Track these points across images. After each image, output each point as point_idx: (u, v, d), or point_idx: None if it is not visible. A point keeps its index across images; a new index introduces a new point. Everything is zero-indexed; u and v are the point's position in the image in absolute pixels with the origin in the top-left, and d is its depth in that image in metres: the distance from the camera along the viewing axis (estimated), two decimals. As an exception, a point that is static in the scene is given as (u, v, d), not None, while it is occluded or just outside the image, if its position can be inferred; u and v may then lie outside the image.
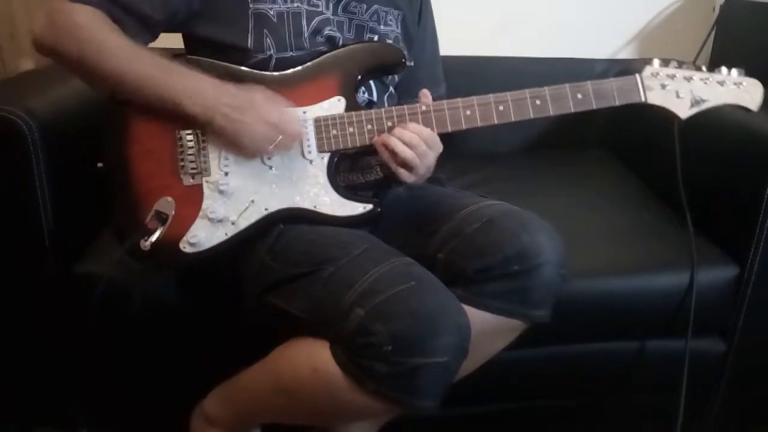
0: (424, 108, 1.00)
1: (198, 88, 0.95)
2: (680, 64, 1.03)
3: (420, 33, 1.19)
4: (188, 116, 0.96)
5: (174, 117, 0.97)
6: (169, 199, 1.00)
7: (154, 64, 0.95)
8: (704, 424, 1.30)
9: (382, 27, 1.10)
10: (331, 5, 1.06)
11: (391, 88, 1.14)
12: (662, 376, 1.24)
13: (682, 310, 1.17)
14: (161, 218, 0.99)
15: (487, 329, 0.97)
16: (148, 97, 0.95)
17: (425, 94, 1.02)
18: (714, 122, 1.26)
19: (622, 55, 1.82)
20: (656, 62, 1.03)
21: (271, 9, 1.01)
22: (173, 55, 1.02)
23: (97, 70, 0.95)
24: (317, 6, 1.04)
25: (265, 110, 0.96)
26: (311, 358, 0.90)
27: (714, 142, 1.29)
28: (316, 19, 1.04)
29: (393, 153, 0.97)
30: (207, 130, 0.98)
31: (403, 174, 0.99)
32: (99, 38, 0.95)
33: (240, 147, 0.97)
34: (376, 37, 1.10)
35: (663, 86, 1.02)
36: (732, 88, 1.02)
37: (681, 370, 1.17)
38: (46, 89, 1.18)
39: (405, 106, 1.00)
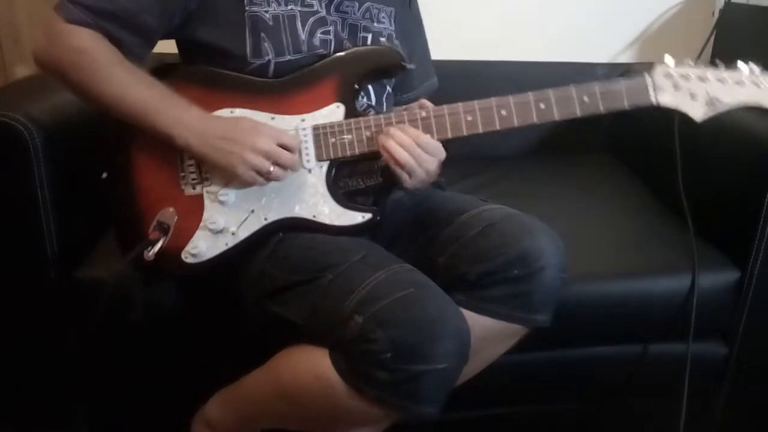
0: (423, 114, 0.99)
1: (187, 122, 0.95)
2: (694, 63, 0.96)
3: (409, 26, 1.18)
4: (181, 148, 0.96)
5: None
6: (171, 209, 1.00)
7: (148, 96, 0.95)
8: (706, 428, 1.30)
9: (375, 24, 1.09)
10: (323, 4, 1.05)
11: (389, 88, 1.14)
12: (664, 379, 1.24)
13: (684, 313, 1.17)
14: (163, 229, 0.99)
15: (488, 334, 0.97)
16: (142, 126, 0.96)
17: (423, 104, 1.01)
18: (715, 126, 1.26)
19: (622, 59, 1.82)
20: (669, 60, 0.97)
21: (266, 12, 1.01)
22: (169, 65, 1.02)
23: (94, 95, 0.95)
24: (311, 5, 1.04)
25: (253, 137, 0.95)
26: (312, 365, 0.90)
27: (715, 146, 1.29)
28: (310, 19, 1.03)
29: (390, 155, 0.97)
30: (203, 162, 0.98)
31: (403, 176, 0.97)
32: (97, 65, 0.94)
33: (235, 177, 0.96)
34: (369, 36, 1.09)
35: (676, 87, 0.95)
36: (751, 88, 0.94)
37: (683, 373, 1.17)
38: (47, 95, 1.18)
39: (405, 113, 1.00)
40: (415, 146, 0.96)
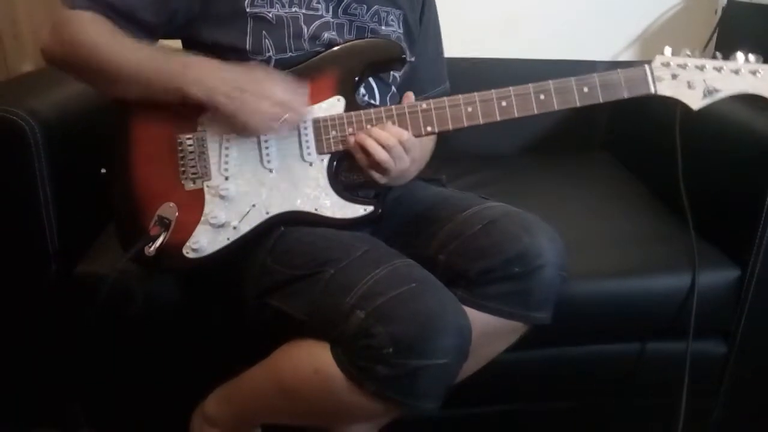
0: (424, 105, 0.99)
1: (200, 72, 0.94)
2: (692, 53, 0.98)
3: (422, 31, 1.19)
4: (193, 101, 0.95)
5: (176, 119, 0.98)
6: (171, 204, 1.00)
7: (156, 56, 0.95)
8: (706, 426, 1.30)
9: (383, 27, 1.10)
10: (330, 8, 1.05)
11: (394, 88, 1.14)
12: (663, 378, 1.24)
13: (684, 312, 1.17)
14: (164, 224, 0.99)
15: (488, 331, 0.97)
16: (153, 87, 0.95)
17: (407, 96, 1.01)
18: (716, 125, 1.27)
19: (625, 57, 1.82)
20: (667, 51, 0.98)
21: (269, 12, 1.01)
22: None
23: (104, 70, 0.96)
24: (317, 10, 1.04)
25: (268, 87, 0.94)
26: (312, 360, 0.90)
27: (715, 144, 1.29)
28: (315, 23, 1.03)
29: (367, 153, 0.96)
30: (215, 114, 0.97)
31: (375, 175, 0.97)
32: (102, 40, 0.95)
33: (247, 127, 0.95)
34: None
35: (674, 76, 0.96)
36: (747, 77, 0.96)
37: (682, 372, 1.17)
38: (48, 90, 1.18)
39: (405, 104, 1.00)
40: (398, 144, 0.96)
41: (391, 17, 1.11)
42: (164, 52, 0.97)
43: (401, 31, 1.12)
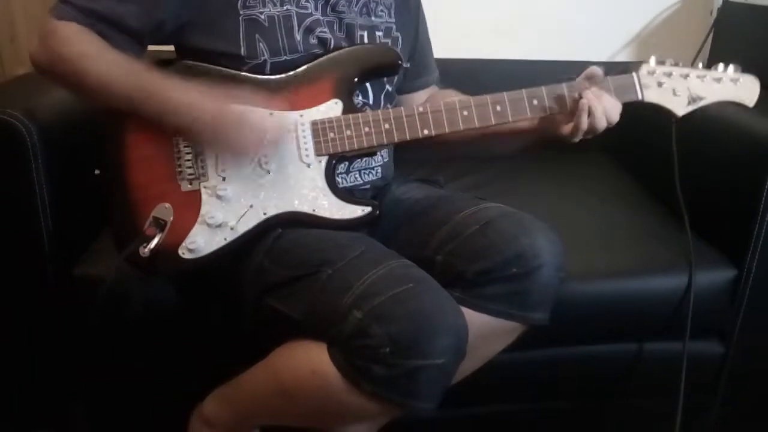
0: (421, 109, 1.00)
1: (182, 102, 0.94)
2: (676, 63, 1.03)
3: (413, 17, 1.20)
4: (175, 129, 0.96)
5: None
6: (167, 205, 1.00)
7: (141, 80, 0.95)
8: (703, 426, 1.30)
9: (372, 18, 1.10)
10: (319, 6, 1.06)
11: (388, 87, 1.14)
12: (660, 378, 1.24)
13: (681, 312, 1.17)
14: (159, 225, 0.99)
15: (486, 331, 0.97)
16: (138, 112, 0.96)
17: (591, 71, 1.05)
18: (713, 125, 1.27)
19: (620, 58, 1.83)
20: (653, 60, 1.03)
21: (261, 14, 1.01)
22: (170, 60, 1.03)
23: (86, 84, 0.96)
24: (306, 8, 1.04)
25: (245, 115, 0.95)
26: (310, 361, 0.90)
27: (712, 144, 1.29)
28: (306, 20, 1.04)
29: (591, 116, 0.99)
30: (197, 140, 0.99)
31: (578, 134, 1.02)
32: (87, 58, 0.95)
33: (229, 150, 0.98)
34: (365, 33, 1.10)
35: (660, 84, 1.02)
36: (729, 85, 1.02)
37: (679, 372, 1.17)
38: (45, 92, 1.18)
39: (401, 108, 1.01)
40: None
41: (381, 8, 1.12)
42: (149, 77, 0.95)
43: (392, 20, 1.13)
